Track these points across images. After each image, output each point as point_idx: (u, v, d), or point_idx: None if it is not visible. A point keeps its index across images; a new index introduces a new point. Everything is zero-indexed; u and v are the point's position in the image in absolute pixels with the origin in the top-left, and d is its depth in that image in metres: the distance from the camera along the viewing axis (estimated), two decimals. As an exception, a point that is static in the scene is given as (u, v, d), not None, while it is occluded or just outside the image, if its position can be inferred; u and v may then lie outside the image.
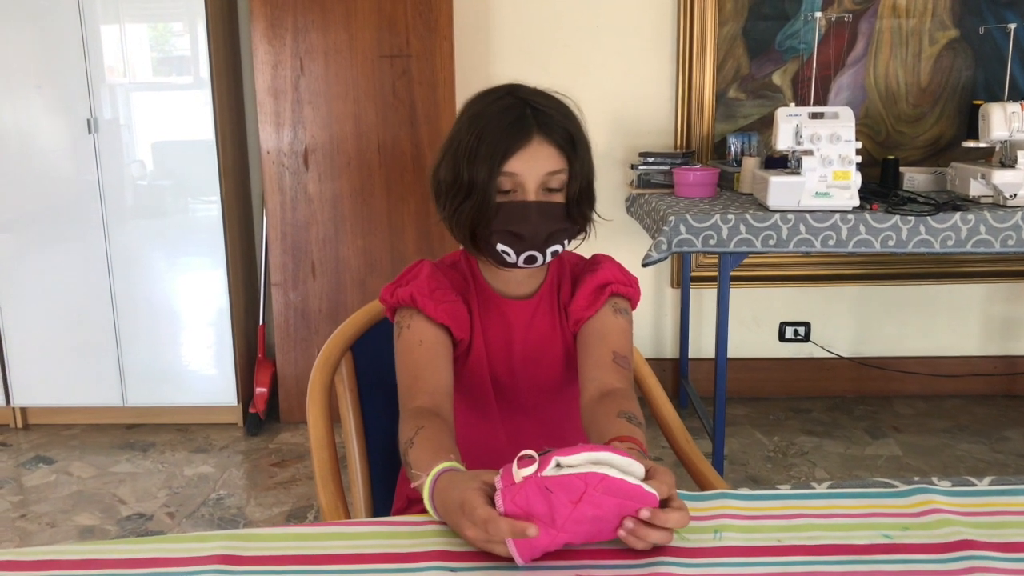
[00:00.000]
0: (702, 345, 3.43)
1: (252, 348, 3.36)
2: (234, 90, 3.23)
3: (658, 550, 0.88)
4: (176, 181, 3.08)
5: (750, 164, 2.87)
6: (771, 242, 2.47)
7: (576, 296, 1.28)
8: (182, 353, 3.18)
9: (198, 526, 2.52)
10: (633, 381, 1.29)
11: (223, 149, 3.06)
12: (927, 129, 3.25)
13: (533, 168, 1.16)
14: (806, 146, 2.48)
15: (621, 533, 0.86)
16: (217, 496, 2.71)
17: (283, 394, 3.23)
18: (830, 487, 1.02)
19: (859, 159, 2.48)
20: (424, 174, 3.07)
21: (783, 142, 2.51)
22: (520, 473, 0.84)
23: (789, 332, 3.43)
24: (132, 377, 3.15)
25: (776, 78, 3.23)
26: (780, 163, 2.81)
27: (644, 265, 2.50)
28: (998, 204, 2.55)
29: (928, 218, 2.46)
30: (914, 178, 2.86)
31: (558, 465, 0.85)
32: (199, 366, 3.19)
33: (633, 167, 3.09)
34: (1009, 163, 2.57)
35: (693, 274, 3.34)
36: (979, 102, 2.77)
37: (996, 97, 3.14)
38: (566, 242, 1.23)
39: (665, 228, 2.49)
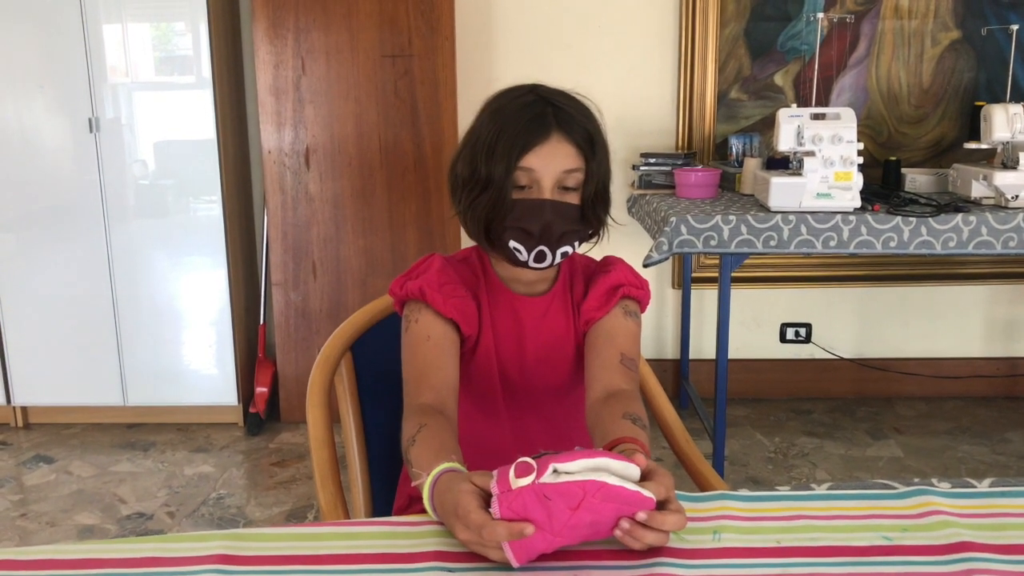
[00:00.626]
0: (703, 346, 3.43)
1: (253, 348, 3.36)
2: (236, 90, 3.23)
3: (657, 551, 0.88)
4: (177, 180, 3.08)
5: (751, 165, 2.87)
6: (772, 243, 2.47)
7: (588, 296, 1.28)
8: (183, 353, 3.18)
9: (198, 526, 2.52)
10: (639, 383, 1.29)
11: (224, 149, 3.06)
12: (929, 130, 3.25)
13: (550, 165, 1.16)
14: (808, 147, 2.48)
15: (617, 533, 0.86)
16: (217, 496, 2.71)
17: (283, 394, 3.23)
18: (830, 488, 1.01)
19: (861, 160, 2.48)
20: (426, 174, 3.07)
21: (785, 143, 2.51)
22: (518, 482, 0.84)
23: (790, 333, 3.43)
24: (133, 376, 3.15)
25: (778, 79, 3.23)
26: (782, 164, 2.81)
27: (645, 266, 2.50)
28: (1000, 205, 2.55)
29: (930, 219, 2.45)
30: (916, 179, 2.86)
31: (555, 471, 0.85)
32: (200, 366, 3.19)
33: (635, 168, 3.09)
34: (1011, 164, 2.57)
35: (694, 275, 3.34)
36: (981, 103, 2.77)
37: (998, 98, 3.13)
38: (577, 244, 1.23)
39: (666, 229, 2.49)
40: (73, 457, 2.99)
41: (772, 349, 3.45)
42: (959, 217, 2.45)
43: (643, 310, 1.32)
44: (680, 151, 3.22)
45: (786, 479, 2.79)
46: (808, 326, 3.42)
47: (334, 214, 3.10)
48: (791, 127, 2.50)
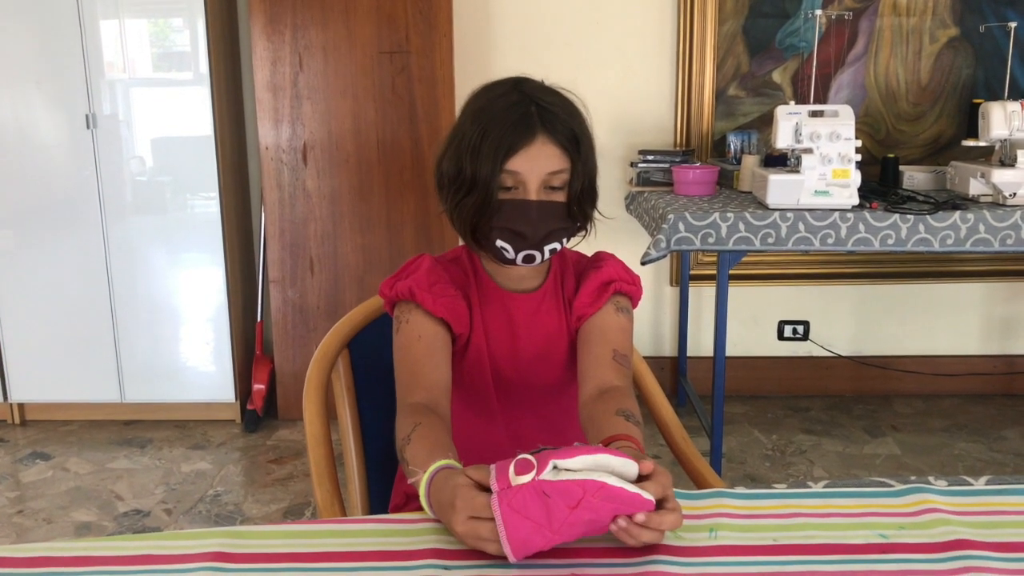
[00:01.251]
0: (701, 343, 3.43)
1: (250, 345, 3.36)
2: (233, 86, 3.23)
3: (653, 549, 0.88)
4: (175, 177, 3.08)
5: (750, 162, 2.87)
6: (770, 240, 2.47)
7: (580, 293, 1.28)
8: (180, 349, 3.18)
9: (195, 523, 2.52)
10: (632, 380, 1.29)
11: (222, 145, 3.06)
12: (927, 128, 3.25)
13: (535, 167, 1.16)
14: (806, 144, 2.48)
15: (613, 528, 0.86)
16: (214, 493, 2.71)
17: (281, 391, 3.23)
18: (826, 486, 1.01)
19: (859, 157, 2.48)
20: (423, 171, 3.07)
21: (783, 140, 2.51)
22: (518, 479, 0.84)
23: (788, 331, 3.43)
24: (130, 373, 3.15)
25: (776, 76, 3.23)
26: (780, 161, 2.81)
27: (643, 263, 2.50)
28: (997, 203, 2.55)
29: (927, 217, 2.45)
30: (914, 177, 2.86)
31: (555, 468, 0.85)
32: (197, 362, 3.18)
33: (632, 165, 3.09)
34: (1009, 162, 2.57)
35: (692, 272, 3.34)
36: (979, 101, 2.76)
37: (996, 96, 3.13)
38: (565, 240, 1.23)
39: (664, 226, 2.49)
40: (70, 454, 2.98)
41: (770, 346, 3.45)
42: (957, 214, 2.46)
43: (635, 305, 1.32)
44: (678, 148, 3.22)
45: (784, 476, 2.79)
46: (806, 323, 3.42)
47: (332, 211, 3.10)
48: (789, 124, 2.50)
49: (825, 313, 3.42)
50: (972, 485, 1.02)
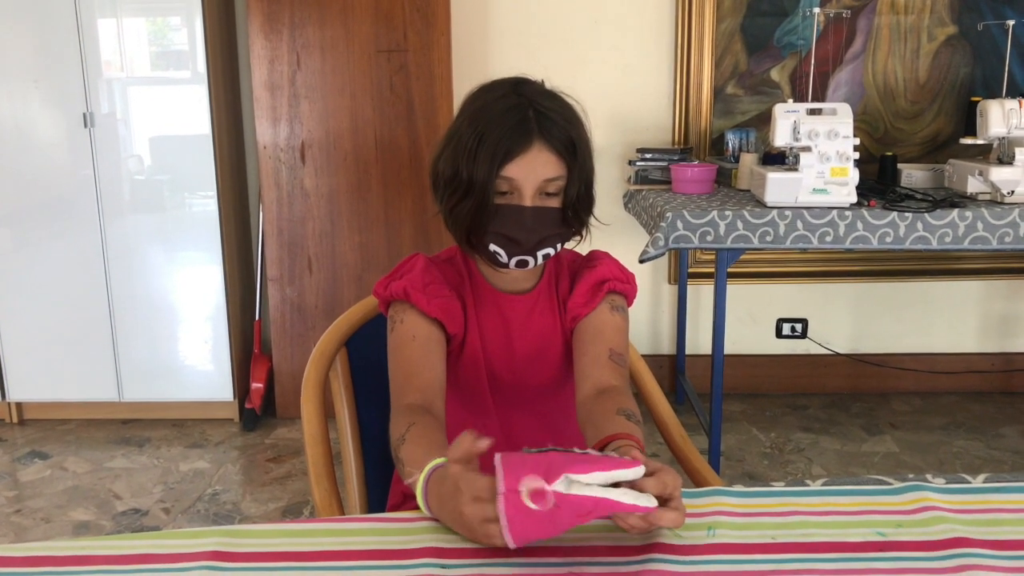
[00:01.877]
0: (699, 341, 3.43)
1: (248, 343, 3.35)
2: (231, 85, 3.22)
3: (651, 547, 0.88)
4: (172, 176, 3.07)
5: (748, 160, 2.86)
6: (768, 238, 2.47)
7: (575, 292, 1.27)
8: (178, 348, 3.17)
9: (193, 522, 2.52)
10: (629, 378, 1.28)
11: (220, 144, 3.05)
12: (925, 126, 3.25)
13: (531, 174, 1.16)
14: (804, 142, 2.48)
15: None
16: (213, 492, 2.70)
17: (279, 390, 3.23)
18: (824, 484, 1.01)
19: (857, 155, 2.48)
20: (421, 170, 3.06)
21: (781, 138, 2.51)
22: (528, 486, 0.82)
23: (786, 328, 3.43)
24: (128, 372, 3.15)
25: (774, 74, 3.23)
26: (778, 159, 2.81)
27: (641, 261, 2.50)
28: (996, 201, 2.55)
29: (926, 215, 2.46)
30: (912, 175, 2.86)
31: (568, 481, 0.84)
32: (195, 361, 3.18)
33: (631, 163, 3.08)
34: (1007, 160, 2.57)
35: (690, 270, 3.34)
36: (977, 99, 2.76)
37: (994, 94, 3.14)
38: (559, 246, 1.23)
39: (662, 224, 2.49)
40: (68, 453, 2.98)
41: (768, 344, 3.46)
42: (955, 213, 2.46)
43: (630, 304, 1.31)
44: (676, 146, 3.22)
45: (782, 474, 2.80)
46: (804, 321, 3.42)
47: (329, 210, 3.09)
48: (787, 122, 2.50)
49: (823, 311, 3.42)
50: (970, 483, 1.02)
